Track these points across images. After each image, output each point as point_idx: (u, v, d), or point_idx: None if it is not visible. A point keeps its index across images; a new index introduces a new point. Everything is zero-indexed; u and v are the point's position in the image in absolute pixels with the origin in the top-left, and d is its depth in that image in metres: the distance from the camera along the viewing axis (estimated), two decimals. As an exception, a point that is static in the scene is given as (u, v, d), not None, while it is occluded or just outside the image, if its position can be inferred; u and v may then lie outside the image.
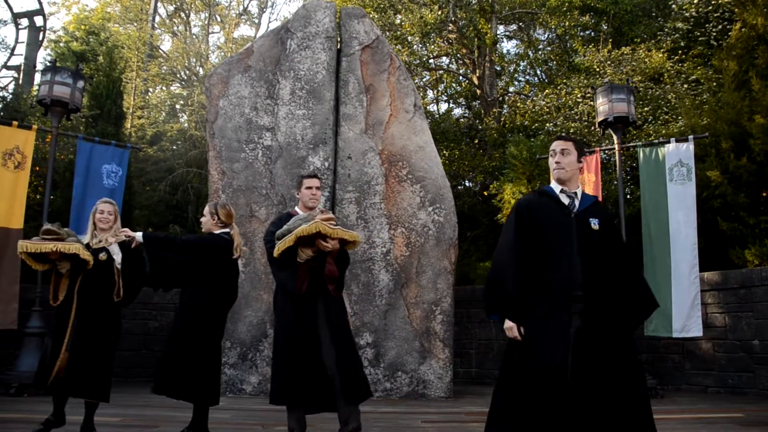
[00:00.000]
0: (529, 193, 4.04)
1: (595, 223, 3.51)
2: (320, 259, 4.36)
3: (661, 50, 12.45)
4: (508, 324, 3.39)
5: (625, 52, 12.34)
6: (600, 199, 8.49)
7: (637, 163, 9.50)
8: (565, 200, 3.57)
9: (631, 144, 9.29)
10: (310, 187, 4.61)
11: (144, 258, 4.72)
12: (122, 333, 8.56)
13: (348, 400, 4.21)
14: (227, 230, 4.91)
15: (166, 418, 5.51)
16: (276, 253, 4.32)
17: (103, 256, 4.73)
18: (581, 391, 3.20)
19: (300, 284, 4.31)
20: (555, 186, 3.63)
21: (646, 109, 11.42)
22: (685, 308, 7.77)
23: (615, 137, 8.60)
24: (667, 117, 11.25)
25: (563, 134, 4.02)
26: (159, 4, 20.46)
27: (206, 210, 4.97)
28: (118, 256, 4.75)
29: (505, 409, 3.37)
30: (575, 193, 3.59)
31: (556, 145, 3.63)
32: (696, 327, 7.75)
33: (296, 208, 4.75)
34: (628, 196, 11.46)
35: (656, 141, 8.72)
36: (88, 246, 4.79)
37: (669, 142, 8.29)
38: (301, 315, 4.32)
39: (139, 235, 4.68)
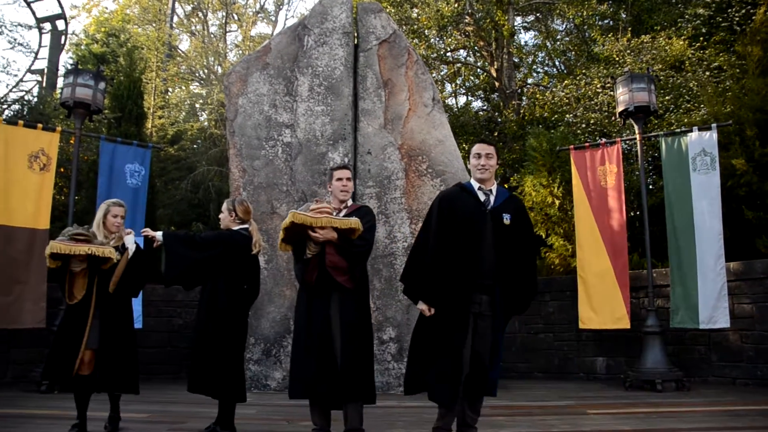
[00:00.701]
0: (452, 187, 4.40)
1: (507, 218, 4.02)
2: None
3: (682, 37, 12.29)
4: (423, 306, 3.96)
5: (645, 40, 12.20)
6: (622, 190, 8.42)
7: (659, 153, 9.40)
8: (482, 197, 4.07)
9: (653, 134, 9.19)
10: (340, 179, 4.50)
11: (155, 256, 4.79)
12: (147, 330, 8.77)
13: (348, 398, 4.17)
14: (245, 226, 4.95)
15: (193, 414, 5.57)
16: (280, 248, 4.42)
17: (118, 256, 4.83)
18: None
19: (309, 277, 4.29)
20: (474, 183, 4.13)
21: (667, 98, 11.28)
22: (711, 299, 7.67)
23: (636, 127, 8.50)
24: (689, 105, 11.10)
25: (486, 138, 4.40)
26: (177, 5, 20.60)
27: (224, 207, 5.01)
28: (132, 246, 4.91)
29: (418, 364, 3.99)
30: (491, 190, 4.10)
31: (482, 149, 4.11)
32: (723, 318, 7.65)
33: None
34: (651, 187, 11.36)
35: (678, 130, 8.59)
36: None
37: (691, 131, 8.18)
38: (312, 308, 4.27)
39: (159, 234, 4.74)
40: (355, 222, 4.17)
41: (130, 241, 4.94)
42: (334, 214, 4.34)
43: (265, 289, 7.79)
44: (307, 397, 4.26)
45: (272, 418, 5.71)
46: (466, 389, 3.92)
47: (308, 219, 4.11)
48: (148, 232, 4.76)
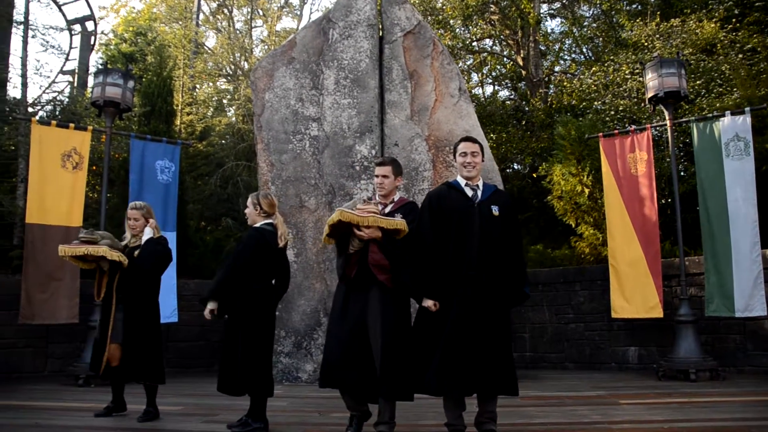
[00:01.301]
0: (439, 185, 4.52)
1: (495, 210, 4.14)
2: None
3: (713, 20, 12.00)
4: (428, 302, 4.04)
5: (675, 24, 11.95)
6: (653, 177, 8.29)
7: (690, 139, 9.23)
8: (469, 192, 4.20)
9: (684, 119, 9.02)
10: (377, 176, 4.53)
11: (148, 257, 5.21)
12: (180, 324, 8.90)
13: (386, 396, 4.17)
14: (270, 220, 4.97)
15: (226, 406, 5.64)
16: (324, 241, 4.49)
17: (117, 255, 5.16)
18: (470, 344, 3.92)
19: (348, 271, 4.34)
20: (461, 180, 4.27)
21: (698, 82, 11.05)
22: (747, 287, 7.54)
23: (666, 113, 8.36)
24: (721, 89, 10.86)
25: (471, 136, 4.36)
26: (202, 2, 20.75)
27: (249, 201, 5.03)
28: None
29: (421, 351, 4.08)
30: (477, 185, 4.24)
31: (468, 147, 4.26)
32: (759, 306, 7.50)
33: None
34: (682, 174, 11.16)
35: (710, 115, 8.42)
36: (126, 246, 5.34)
37: (724, 116, 8.01)
38: (349, 302, 4.30)
39: (208, 309, 4.77)
40: (401, 223, 4.21)
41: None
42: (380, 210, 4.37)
43: (296, 283, 7.85)
44: (337, 386, 4.29)
45: (304, 410, 5.77)
46: (471, 385, 3.94)
47: (355, 217, 4.16)
48: (207, 316, 4.80)
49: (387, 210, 4.41)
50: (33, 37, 13.07)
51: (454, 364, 3.91)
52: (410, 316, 4.43)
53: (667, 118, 8.35)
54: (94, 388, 7.30)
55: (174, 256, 8.55)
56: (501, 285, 4.07)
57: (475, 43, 17.76)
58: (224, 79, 19.88)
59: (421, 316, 4.17)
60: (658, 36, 11.99)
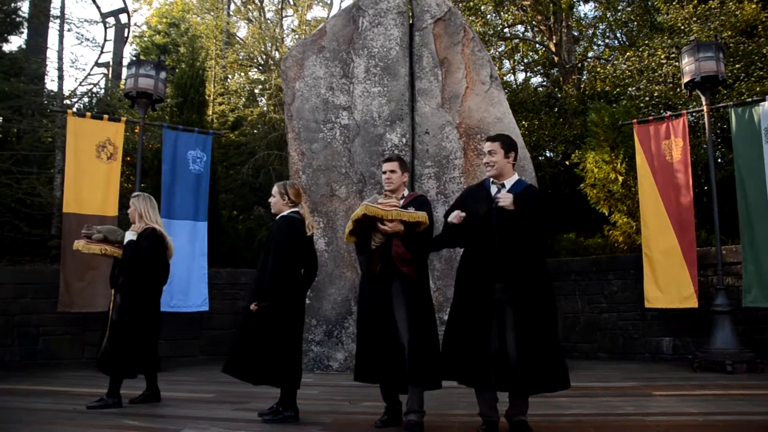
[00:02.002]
0: (474, 184, 4.62)
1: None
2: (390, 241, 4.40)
3: (754, 0, 11.67)
4: (453, 217, 4.13)
5: (713, 6, 11.64)
6: (688, 164, 8.12)
7: (728, 125, 9.03)
8: (494, 190, 4.20)
9: (722, 104, 8.80)
10: (384, 171, 4.66)
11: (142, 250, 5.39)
12: (212, 312, 9.01)
13: (413, 382, 4.23)
14: (297, 209, 5.00)
15: (257, 394, 5.69)
16: (347, 239, 4.60)
17: (108, 248, 5.49)
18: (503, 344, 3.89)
19: (373, 267, 4.43)
20: (490, 179, 4.28)
21: (737, 66, 10.76)
22: (786, 276, 7.36)
23: (703, 98, 8.17)
24: (761, 73, 10.56)
25: (492, 135, 4.28)
26: (233, -8, 20.84)
27: (275, 191, 5.04)
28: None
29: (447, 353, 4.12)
30: (503, 184, 4.20)
31: (485, 147, 4.27)
32: (799, 296, 7.33)
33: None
34: (719, 160, 10.91)
35: (749, 100, 8.20)
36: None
37: (764, 100, 7.79)
38: (376, 296, 4.41)
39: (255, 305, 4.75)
40: (422, 215, 4.32)
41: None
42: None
43: (326, 271, 7.89)
44: (373, 380, 4.42)
45: (334, 398, 5.80)
46: (502, 380, 3.90)
47: (379, 211, 4.25)
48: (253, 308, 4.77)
49: (400, 204, 4.48)
50: (69, 30, 13.26)
51: (480, 358, 3.90)
52: (433, 306, 4.53)
53: (704, 103, 8.16)
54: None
55: (205, 245, 8.73)
56: (529, 283, 3.98)
57: (506, 30, 17.56)
58: (255, 69, 19.97)
59: (455, 309, 4.17)
60: (695, 19, 11.70)
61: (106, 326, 5.40)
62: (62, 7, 12.53)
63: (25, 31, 13.25)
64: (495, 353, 3.88)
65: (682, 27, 11.84)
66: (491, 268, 3.98)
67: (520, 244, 4.02)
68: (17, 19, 12.58)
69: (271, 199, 5.05)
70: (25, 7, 13.23)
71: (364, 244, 4.50)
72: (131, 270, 5.37)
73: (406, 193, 4.67)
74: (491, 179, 4.24)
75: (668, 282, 8.10)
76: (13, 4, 12.41)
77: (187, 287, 8.50)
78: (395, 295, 4.32)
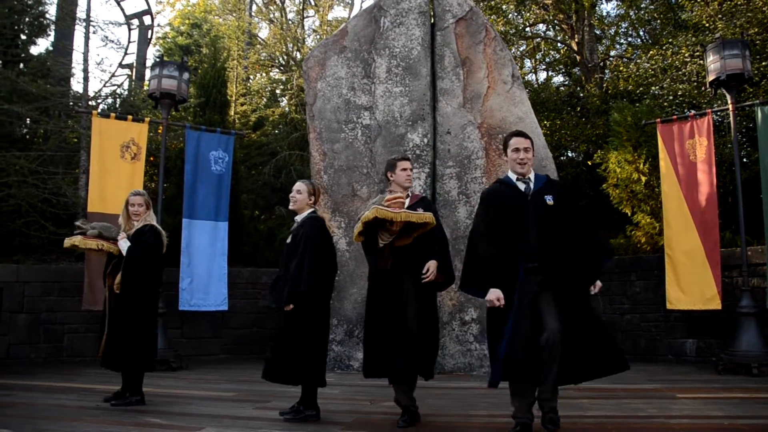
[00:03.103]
0: (492, 184, 4.51)
1: (549, 199, 4.08)
2: (405, 238, 4.50)
3: (782, -3, 11.48)
4: (492, 296, 3.92)
5: (739, 2, 11.46)
6: (713, 163, 8.02)
7: (754, 124, 8.87)
8: (522, 186, 4.17)
9: (747, 103, 8.68)
10: (405, 169, 4.81)
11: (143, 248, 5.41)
12: (233, 312, 9.06)
13: (426, 376, 4.43)
14: (315, 209, 5.08)
15: (278, 393, 5.72)
16: (355, 239, 4.66)
17: (103, 244, 5.50)
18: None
19: (383, 264, 4.52)
20: (512, 175, 4.23)
21: (763, 63, 10.59)
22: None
23: (728, 97, 8.06)
24: (789, 71, 10.40)
25: (523, 131, 4.28)
26: (255, -7, 20.95)
27: (303, 188, 5.02)
28: (124, 248, 5.39)
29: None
30: (529, 178, 4.20)
31: (521, 143, 4.19)
32: (826, 297, 7.21)
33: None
34: (745, 160, 10.75)
35: (776, 99, 8.09)
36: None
37: (791, 99, 7.69)
38: (386, 291, 4.50)
39: (295, 299, 4.73)
40: (429, 216, 4.42)
41: (123, 247, 5.42)
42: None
43: (348, 271, 7.91)
44: (385, 376, 4.50)
45: (355, 398, 5.82)
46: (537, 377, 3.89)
47: (389, 214, 4.32)
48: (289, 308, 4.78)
49: (407, 202, 4.62)
50: (94, 32, 13.53)
51: (519, 355, 3.87)
52: (436, 299, 4.76)
53: (729, 102, 8.05)
54: (150, 372, 7.50)
55: (225, 245, 8.79)
56: (569, 272, 3.98)
57: (528, 29, 17.45)
58: (277, 70, 20.07)
59: (490, 312, 4.14)
60: (720, 16, 11.53)
61: (104, 323, 5.44)
62: (88, 10, 12.68)
63: (52, 33, 13.44)
64: (533, 347, 3.86)
65: (707, 24, 11.67)
66: (527, 263, 3.96)
67: (559, 234, 4.02)
68: (44, 22, 12.77)
69: (297, 196, 5.00)
70: (52, 11, 13.43)
71: (372, 243, 4.59)
72: (145, 266, 5.40)
73: (409, 192, 4.81)
74: (515, 176, 4.20)
75: (690, 283, 8.00)
76: (40, 8, 12.60)
77: (207, 286, 8.55)
78: (407, 292, 4.44)
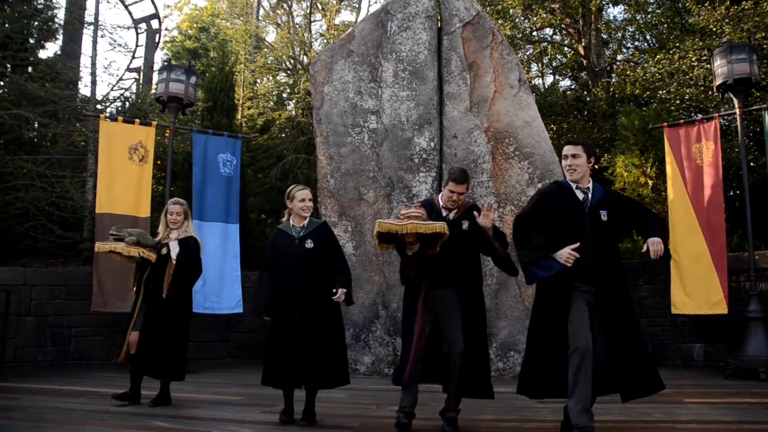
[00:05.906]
0: (550, 184, 4.46)
1: (604, 215, 4.08)
2: (431, 248, 4.39)
3: (790, 1, 11.44)
4: (564, 252, 3.90)
5: (746, 7, 11.44)
6: (719, 167, 7.99)
7: (761, 128, 8.86)
8: (580, 195, 4.14)
9: (755, 107, 8.65)
10: (453, 191, 4.53)
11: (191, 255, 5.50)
12: (242, 316, 9.05)
13: (460, 393, 4.38)
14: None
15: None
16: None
17: (164, 250, 5.47)
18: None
19: (409, 272, 4.46)
20: (571, 183, 4.19)
21: (771, 68, 10.57)
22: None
23: (736, 101, 8.04)
24: (797, 76, 10.37)
25: (573, 139, 4.30)
26: (262, -3, 21.01)
27: (311, 195, 5.08)
28: (174, 252, 5.41)
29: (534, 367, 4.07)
30: (588, 188, 4.16)
31: (568, 150, 4.19)
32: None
33: (437, 196, 4.74)
34: (752, 164, 10.72)
35: (784, 103, 8.07)
36: (158, 242, 5.61)
37: (799, 104, 7.66)
38: (419, 302, 4.40)
39: (341, 292, 4.76)
40: (440, 226, 4.21)
41: (174, 247, 5.47)
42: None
43: (354, 275, 7.82)
44: (421, 383, 4.48)
45: (362, 402, 5.82)
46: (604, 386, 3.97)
47: (393, 227, 4.23)
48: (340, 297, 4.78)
49: (451, 216, 4.52)
50: (102, 36, 13.61)
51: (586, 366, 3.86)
52: (485, 306, 4.58)
53: (736, 106, 8.04)
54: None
55: (237, 247, 8.81)
56: (618, 288, 4.02)
57: (535, 33, 17.46)
58: (284, 73, 20.12)
59: (537, 319, 4.12)
60: (727, 20, 11.51)
61: (130, 323, 5.54)
62: (96, 14, 12.76)
63: (61, 37, 13.54)
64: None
65: (714, 29, 11.65)
66: (581, 275, 3.97)
67: (610, 249, 4.07)
68: (53, 26, 12.85)
69: (310, 203, 5.01)
70: (60, 15, 13.51)
71: (401, 251, 4.52)
72: (194, 278, 5.60)
73: (461, 202, 4.61)
74: (574, 185, 4.16)
75: (696, 288, 7.96)
76: (49, 12, 12.67)
77: (221, 289, 8.57)
78: (444, 300, 4.38)
